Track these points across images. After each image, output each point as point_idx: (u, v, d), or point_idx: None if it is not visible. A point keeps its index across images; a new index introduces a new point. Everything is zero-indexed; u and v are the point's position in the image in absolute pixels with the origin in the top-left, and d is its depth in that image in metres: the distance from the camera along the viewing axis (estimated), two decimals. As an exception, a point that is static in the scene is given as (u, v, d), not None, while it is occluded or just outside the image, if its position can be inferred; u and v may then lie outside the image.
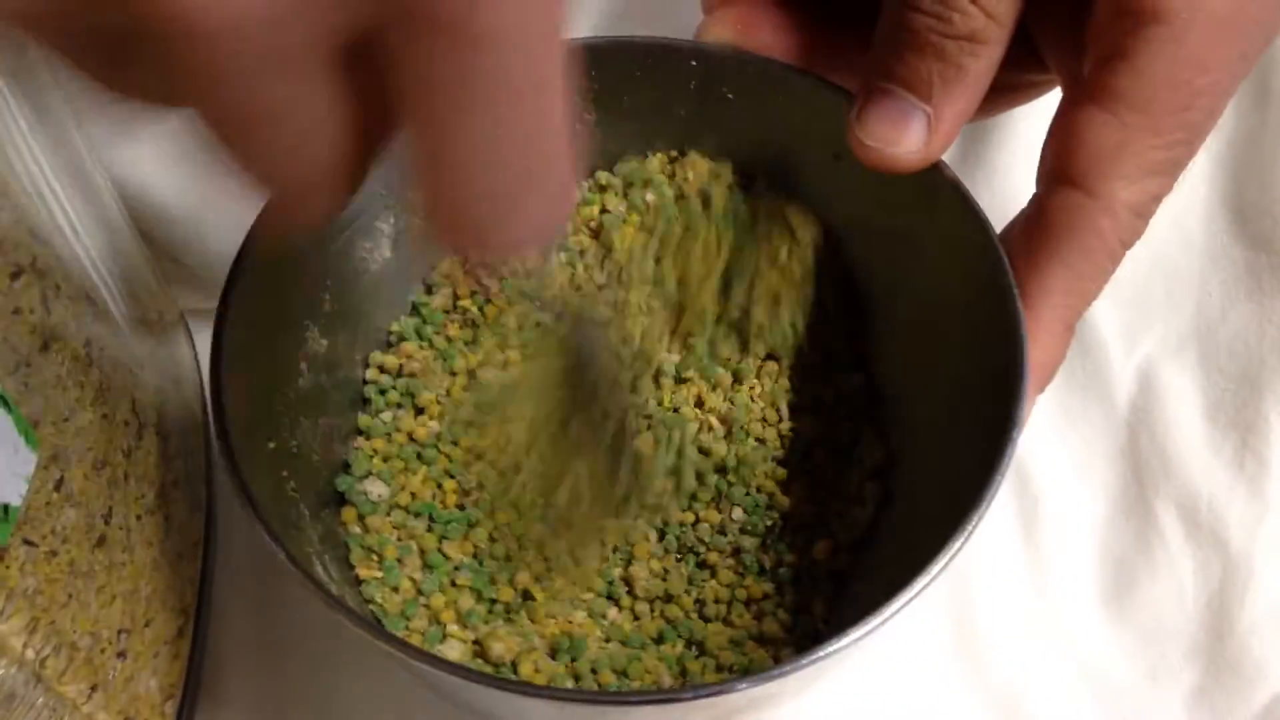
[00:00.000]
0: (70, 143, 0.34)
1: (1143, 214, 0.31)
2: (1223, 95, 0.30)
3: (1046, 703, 0.39)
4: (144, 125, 0.38)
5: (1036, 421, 0.44)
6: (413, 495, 0.38)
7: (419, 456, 0.39)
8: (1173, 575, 0.41)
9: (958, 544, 0.29)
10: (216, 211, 0.40)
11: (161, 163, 0.39)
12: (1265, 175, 0.44)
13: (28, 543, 0.28)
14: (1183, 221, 0.45)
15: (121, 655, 0.33)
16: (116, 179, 0.38)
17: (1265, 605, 0.40)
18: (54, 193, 0.31)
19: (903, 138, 0.31)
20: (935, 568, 0.28)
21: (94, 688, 0.32)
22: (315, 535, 0.35)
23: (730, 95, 0.38)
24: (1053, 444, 0.44)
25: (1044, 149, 0.34)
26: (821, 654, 0.28)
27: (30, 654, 0.29)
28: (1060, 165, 0.31)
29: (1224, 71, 0.30)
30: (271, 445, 0.34)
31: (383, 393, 0.40)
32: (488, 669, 0.35)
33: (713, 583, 0.37)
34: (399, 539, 0.37)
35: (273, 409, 0.35)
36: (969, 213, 0.33)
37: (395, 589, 0.36)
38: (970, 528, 0.29)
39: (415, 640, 0.35)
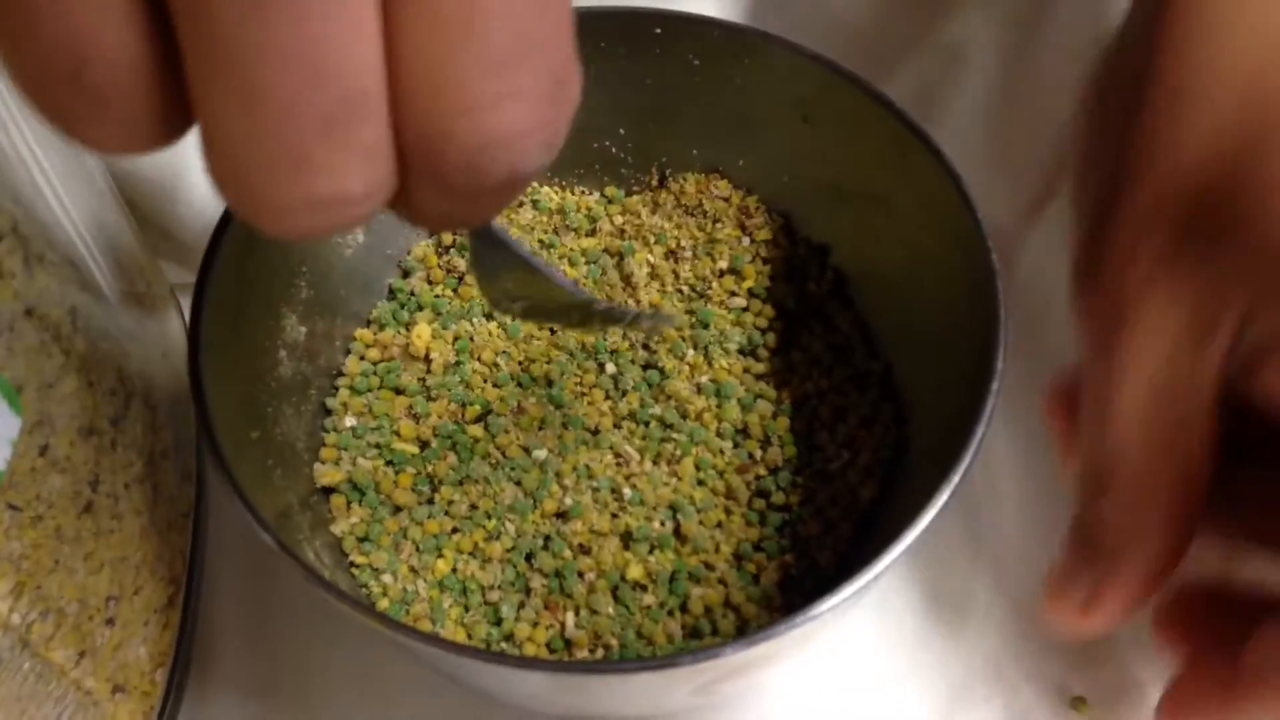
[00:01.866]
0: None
1: None
2: None
3: (1024, 668, 0.39)
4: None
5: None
6: (395, 483, 0.38)
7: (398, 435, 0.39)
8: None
9: (930, 514, 0.29)
10: (203, 186, 0.41)
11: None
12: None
13: (12, 507, 0.29)
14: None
15: (110, 622, 0.33)
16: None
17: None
18: (35, 157, 0.31)
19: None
20: (911, 536, 0.29)
21: (82, 654, 0.32)
22: (305, 523, 0.35)
23: (696, 61, 0.38)
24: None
25: None
26: (811, 615, 0.28)
27: (16, 619, 0.29)
28: None
29: None
30: (255, 435, 0.35)
31: (364, 377, 0.40)
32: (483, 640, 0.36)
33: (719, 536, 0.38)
34: (388, 527, 0.37)
35: (255, 399, 0.35)
36: (941, 171, 0.34)
37: (394, 574, 0.36)
38: (944, 496, 0.29)
39: (424, 626, 0.36)
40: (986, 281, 0.32)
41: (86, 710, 0.33)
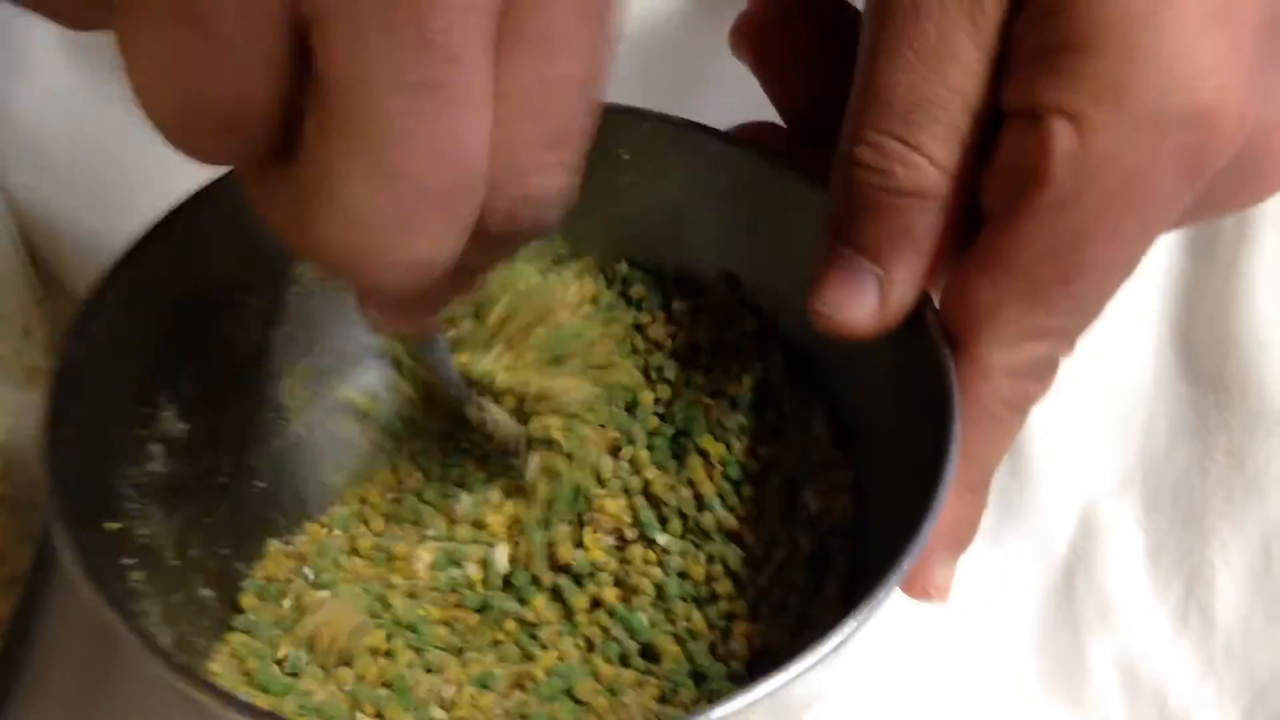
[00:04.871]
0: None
1: (1028, 375, 0.28)
2: (1119, 268, 0.27)
3: None
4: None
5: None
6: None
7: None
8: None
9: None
10: (111, 237, 0.40)
11: (62, 183, 0.39)
12: (1211, 313, 0.43)
13: None
14: (1133, 355, 0.44)
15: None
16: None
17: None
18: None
19: (855, 302, 0.29)
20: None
21: None
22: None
23: (626, 156, 0.37)
24: (982, 580, 0.41)
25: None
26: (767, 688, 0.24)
27: None
28: (946, 323, 0.29)
29: (1118, 246, 0.27)
30: (115, 526, 0.32)
31: None
32: None
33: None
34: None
35: (114, 487, 0.32)
36: None
37: None
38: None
39: None
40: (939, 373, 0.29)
41: None
